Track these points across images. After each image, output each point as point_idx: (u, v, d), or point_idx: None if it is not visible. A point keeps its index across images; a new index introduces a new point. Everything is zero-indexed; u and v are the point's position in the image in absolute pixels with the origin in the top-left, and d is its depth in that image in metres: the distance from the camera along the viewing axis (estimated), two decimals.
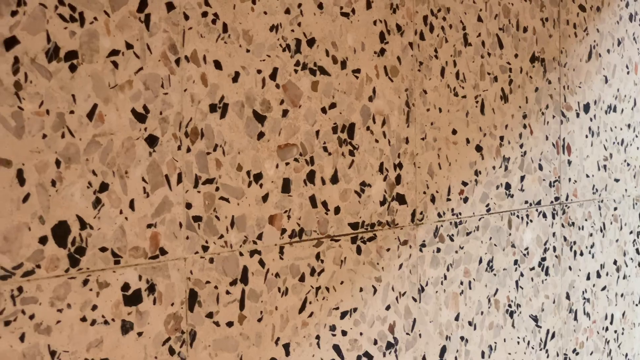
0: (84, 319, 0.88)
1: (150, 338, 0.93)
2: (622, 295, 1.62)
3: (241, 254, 1.01)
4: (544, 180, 1.43)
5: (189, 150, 0.96)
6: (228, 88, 0.99)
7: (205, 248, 0.98)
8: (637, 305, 1.66)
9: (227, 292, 1.00)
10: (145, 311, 0.92)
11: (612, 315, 1.60)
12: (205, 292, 0.98)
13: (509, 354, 1.38)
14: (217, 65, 0.98)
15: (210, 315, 0.98)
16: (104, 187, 0.89)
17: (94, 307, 0.89)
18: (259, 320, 1.03)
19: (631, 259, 1.64)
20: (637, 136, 1.65)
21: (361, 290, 1.15)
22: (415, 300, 1.22)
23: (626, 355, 1.63)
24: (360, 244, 1.14)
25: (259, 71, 1.02)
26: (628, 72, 1.61)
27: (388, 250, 1.18)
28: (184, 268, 0.96)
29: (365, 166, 1.15)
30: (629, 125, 1.62)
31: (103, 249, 0.89)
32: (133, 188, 0.91)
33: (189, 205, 0.96)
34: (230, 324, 1.00)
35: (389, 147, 1.17)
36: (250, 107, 1.01)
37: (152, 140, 0.92)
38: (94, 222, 0.88)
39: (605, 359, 1.58)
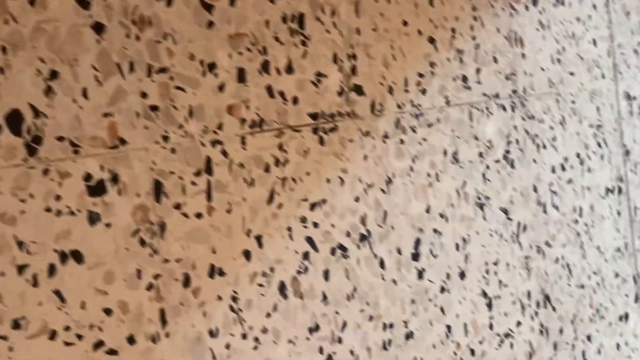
0: (48, 210, 0.86)
1: (119, 229, 0.91)
2: (588, 188, 1.63)
3: (203, 144, 1.00)
4: (499, 73, 1.43)
5: (138, 38, 0.94)
6: None
7: (165, 138, 0.96)
8: (603, 197, 1.67)
9: (193, 183, 0.99)
10: (110, 202, 0.91)
11: (581, 208, 1.61)
12: (170, 182, 0.96)
13: (483, 246, 1.38)
14: None
15: (178, 206, 0.97)
16: (54, 74, 0.87)
17: (58, 198, 0.87)
18: (228, 211, 1.02)
19: (593, 152, 1.65)
20: (587, 30, 1.65)
21: (328, 181, 1.14)
22: (384, 192, 1.22)
23: (598, 247, 1.64)
24: (322, 134, 1.13)
25: None
26: None
27: (351, 141, 1.17)
28: (146, 158, 0.94)
29: (319, 56, 1.14)
30: (578, 19, 1.63)
31: (60, 139, 0.87)
32: (84, 76, 0.89)
33: (144, 95, 0.94)
34: (199, 216, 0.99)
35: (341, 37, 1.17)
36: None
37: (98, 28, 0.91)
38: (48, 110, 0.86)
39: (578, 250, 1.59)
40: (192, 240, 0.98)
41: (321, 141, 1.13)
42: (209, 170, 1.00)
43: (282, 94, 1.09)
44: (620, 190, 1.72)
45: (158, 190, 0.95)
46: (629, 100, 1.77)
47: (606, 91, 1.70)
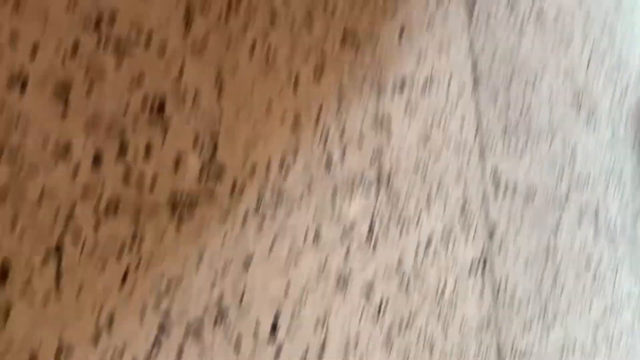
0: None
1: None
2: (452, 265, 1.69)
3: (54, 226, 1.01)
4: (365, 154, 1.48)
5: None
6: (27, 61, 1.00)
7: (14, 221, 0.97)
8: (468, 274, 1.73)
9: (42, 266, 1.00)
10: None
11: (445, 284, 1.67)
12: (18, 264, 0.97)
13: (344, 323, 1.41)
14: (14, 37, 0.99)
15: (24, 289, 0.98)
16: None
17: None
18: (78, 294, 1.03)
19: (459, 230, 1.71)
20: (454, 114, 1.73)
21: (185, 261, 1.16)
22: (242, 270, 1.24)
23: (461, 322, 1.70)
24: (180, 216, 1.16)
25: (58, 46, 1.03)
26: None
27: (210, 221, 1.20)
28: None
29: (179, 139, 1.16)
30: (445, 104, 1.70)
31: None
32: None
33: None
34: (47, 299, 1.00)
35: (202, 120, 1.20)
36: (52, 82, 1.02)
37: None
38: None
39: (441, 325, 1.64)
40: (40, 324, 0.99)
41: (179, 222, 1.16)
42: (59, 253, 1.01)
43: (140, 178, 1.11)
44: (484, 267, 1.78)
45: (4, 272, 0.96)
46: (495, 181, 1.85)
47: (473, 172, 1.77)
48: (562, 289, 2.03)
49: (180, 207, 1.16)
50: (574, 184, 2.17)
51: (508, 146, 1.90)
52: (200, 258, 1.18)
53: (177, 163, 1.16)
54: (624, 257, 2.41)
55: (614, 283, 2.33)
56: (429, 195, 1.64)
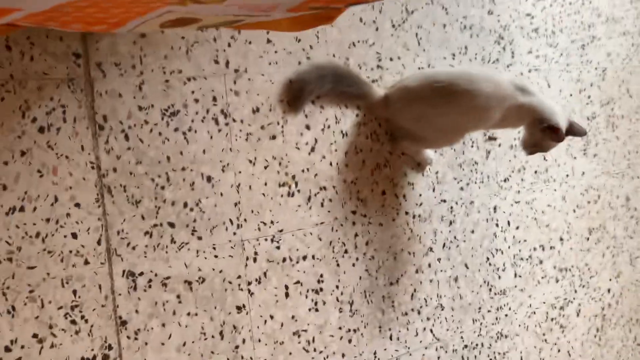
0: None
1: None
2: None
3: None
4: None
5: None
6: None
7: None
8: None
9: None
10: None
11: None
12: None
13: None
14: None
15: None
16: None
17: None
18: None
19: (62, 329, 1.89)
20: (62, 226, 1.87)
21: None
22: None
23: None
24: None
25: None
26: (42, 176, 1.83)
27: None
28: None
29: None
30: (48, 220, 1.85)
31: None
32: None
33: None
34: None
35: None
36: None
37: None
38: None
39: None
40: None
41: None
42: None
43: None
44: (106, 358, 1.97)
45: None
46: (133, 277, 1.99)
47: (91, 275, 1.93)
48: None
49: None
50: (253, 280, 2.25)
51: (156, 245, 2.02)
52: None
53: None
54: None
55: None
56: (14, 302, 1.83)
